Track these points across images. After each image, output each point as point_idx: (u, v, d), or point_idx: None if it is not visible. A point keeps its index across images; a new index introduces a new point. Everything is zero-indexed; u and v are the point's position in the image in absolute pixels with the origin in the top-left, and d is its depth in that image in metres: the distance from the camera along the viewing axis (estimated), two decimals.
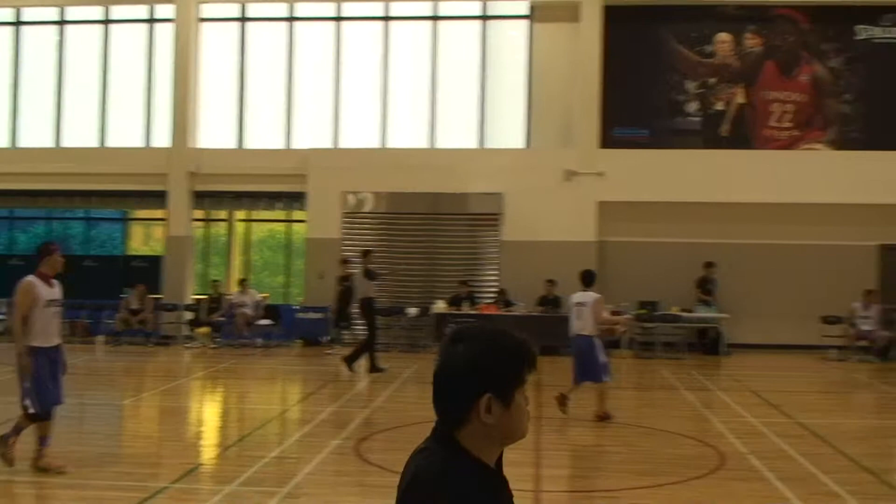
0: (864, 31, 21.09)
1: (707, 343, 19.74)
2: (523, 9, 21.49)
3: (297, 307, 20.96)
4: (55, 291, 8.81)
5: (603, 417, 12.02)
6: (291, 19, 22.10)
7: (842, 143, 21.02)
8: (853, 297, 19.25)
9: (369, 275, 16.79)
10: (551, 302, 19.81)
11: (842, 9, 20.96)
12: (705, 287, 19.92)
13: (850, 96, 21.14)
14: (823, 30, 21.18)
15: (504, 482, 2.54)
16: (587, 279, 12.64)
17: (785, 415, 12.74)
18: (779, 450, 10.37)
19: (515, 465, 9.51)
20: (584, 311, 12.23)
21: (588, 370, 12.18)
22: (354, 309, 17.48)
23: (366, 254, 17.33)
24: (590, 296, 12.30)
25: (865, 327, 19.13)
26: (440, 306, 19.74)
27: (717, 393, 14.76)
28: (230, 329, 20.16)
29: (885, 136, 20.75)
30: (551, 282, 19.79)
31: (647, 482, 8.85)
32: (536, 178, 20.62)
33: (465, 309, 19.71)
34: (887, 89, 20.99)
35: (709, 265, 19.90)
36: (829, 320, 19.45)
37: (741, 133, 21.17)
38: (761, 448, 10.43)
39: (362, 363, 16.54)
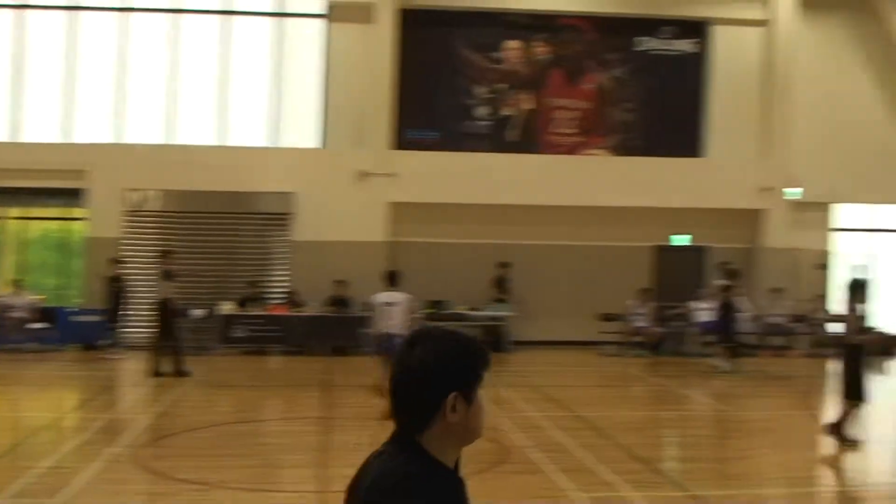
0: (643, 43, 22.18)
1: (492, 341, 20.21)
2: (319, 7, 21.31)
3: (75, 309, 19.96)
4: None
5: None
6: (74, 8, 21.01)
7: (622, 150, 22.02)
8: (630, 296, 20.23)
9: (168, 276, 16.26)
10: (341, 302, 19.78)
11: (624, 21, 21.96)
12: (501, 286, 20.41)
13: (630, 105, 22.18)
14: (607, 40, 22.11)
15: (463, 483, 2.54)
16: (393, 279, 12.88)
17: (564, 408, 13.22)
18: (558, 442, 10.74)
19: (302, 467, 9.46)
20: (395, 310, 12.43)
21: None
22: (129, 310, 16.89)
23: (165, 254, 16.80)
24: (400, 295, 12.57)
25: (640, 324, 20.13)
26: (227, 307, 19.33)
27: (500, 389, 15.12)
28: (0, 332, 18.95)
29: (661, 144, 21.90)
30: (341, 282, 19.76)
31: None
32: (329, 178, 20.53)
33: (254, 310, 19.40)
34: (664, 99, 22.16)
35: (503, 265, 20.38)
36: (607, 317, 20.34)
37: (528, 138, 21.81)
38: (542, 441, 10.77)
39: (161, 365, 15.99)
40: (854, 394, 10.94)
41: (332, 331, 19.33)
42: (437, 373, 2.45)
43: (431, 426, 2.46)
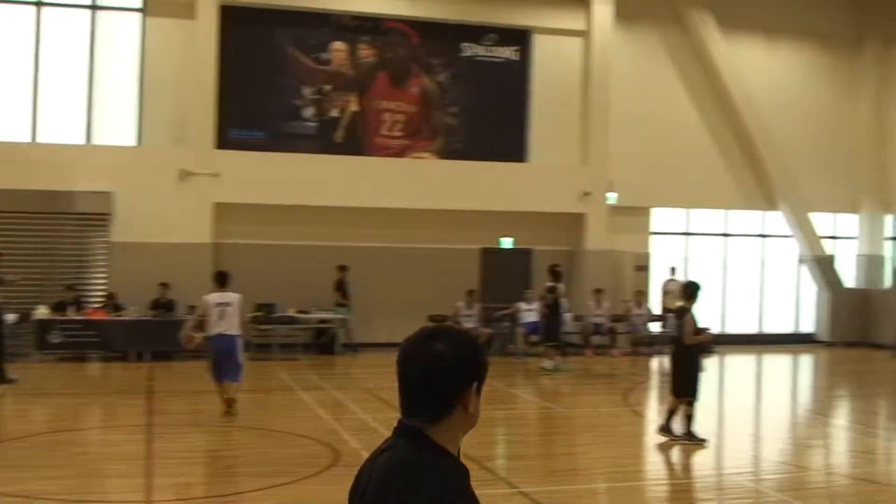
0: (468, 49, 22.48)
1: (323, 343, 20.06)
2: (136, 1, 20.55)
3: None
4: None
5: (227, 414, 12.17)
6: None
7: (447, 153, 22.25)
8: (458, 297, 20.45)
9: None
10: (165, 305, 19.16)
11: (449, 27, 22.20)
12: (341, 290, 20.21)
13: (455, 109, 22.44)
14: (432, 45, 22.30)
15: (468, 472, 2.55)
16: (222, 280, 12.74)
17: (395, 410, 13.16)
18: None
19: (126, 477, 9.07)
20: (228, 310, 12.29)
21: (231, 369, 12.26)
22: None
23: None
24: (232, 296, 12.47)
25: (468, 324, 20.36)
26: (42, 312, 18.38)
27: (331, 392, 15.01)
28: None
29: (486, 148, 22.26)
30: (165, 285, 19.15)
31: (263, 484, 8.77)
32: (149, 177, 19.82)
33: (71, 314, 18.53)
34: (489, 104, 22.54)
35: (342, 268, 20.18)
36: (435, 319, 20.45)
37: (355, 140, 21.73)
38: (373, 443, 10.57)
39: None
40: (689, 391, 11.38)
41: (155, 335, 18.66)
42: (461, 365, 2.55)
43: (444, 418, 2.54)
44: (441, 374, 2.54)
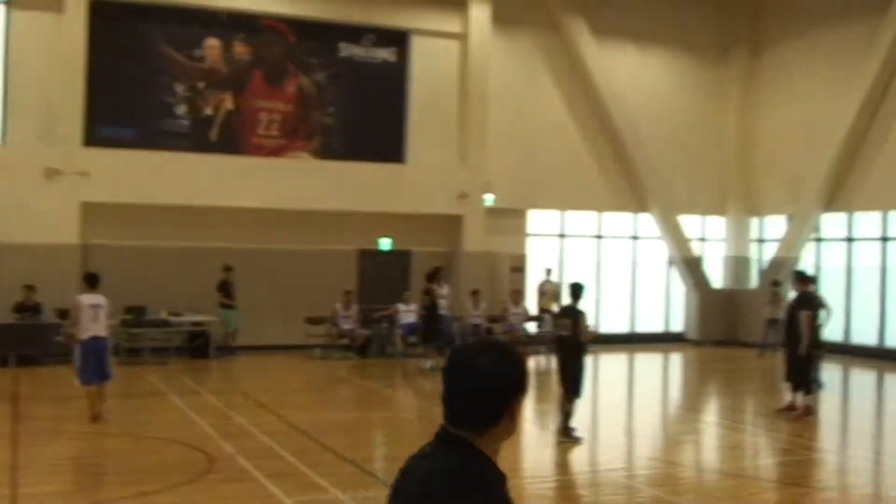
0: (346, 49, 22.35)
1: (197, 347, 19.61)
2: None
3: None
4: None
5: (97, 418, 11.96)
6: None
7: (324, 153, 22.06)
8: (336, 299, 20.30)
9: None
10: (30, 309, 18.42)
11: (326, 26, 22.01)
12: (226, 290, 19.73)
13: (332, 109, 22.27)
14: (309, 44, 22.08)
15: (506, 477, 2.64)
16: (93, 281, 12.55)
17: (272, 413, 13.02)
18: (266, 448, 10.55)
19: None
20: (101, 312, 12.21)
21: (104, 370, 12.18)
22: None
23: None
24: (102, 298, 12.34)
25: (346, 326, 20.26)
26: None
27: (206, 396, 14.69)
28: None
29: (364, 149, 22.17)
30: (30, 287, 18.41)
31: (134, 491, 8.51)
32: (12, 175, 19.01)
33: None
34: (367, 105, 22.45)
35: (228, 268, 19.68)
36: (313, 320, 20.31)
37: (230, 138, 21.33)
38: (249, 448, 10.53)
39: None
40: (579, 390, 11.64)
41: (21, 339, 17.95)
42: (509, 379, 2.64)
43: (491, 428, 2.62)
44: (491, 387, 2.63)
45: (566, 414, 11.61)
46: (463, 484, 2.53)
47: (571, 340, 11.64)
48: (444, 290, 18.42)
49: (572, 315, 11.66)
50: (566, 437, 11.52)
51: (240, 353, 19.46)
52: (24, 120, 19.64)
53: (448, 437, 2.65)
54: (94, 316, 12.08)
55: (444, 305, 18.35)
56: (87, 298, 12.22)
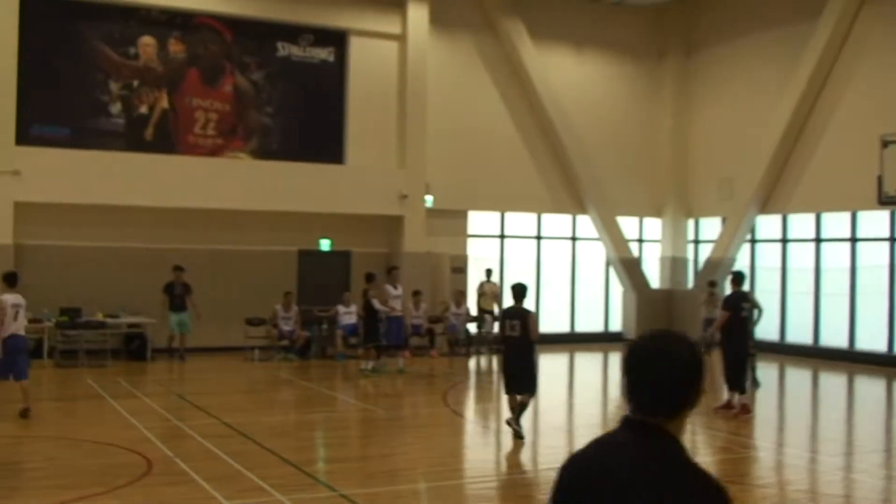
0: (283, 49, 22.18)
1: (134, 349, 19.31)
2: None
3: None
4: None
5: (27, 412, 12.16)
6: None
7: (263, 153, 21.87)
8: (276, 300, 20.12)
9: None
10: None
11: (263, 25, 21.82)
12: (171, 293, 19.41)
13: (270, 109, 22.08)
14: (246, 43, 21.86)
15: None
16: (13, 280, 12.68)
17: (211, 416, 12.85)
18: (205, 451, 10.42)
19: None
20: (21, 311, 12.42)
21: (23, 367, 12.36)
22: None
23: None
24: (21, 297, 12.54)
25: (286, 327, 20.09)
26: None
27: (143, 399, 14.45)
28: None
29: (303, 149, 22.03)
30: None
31: (71, 496, 8.34)
32: None
33: None
34: (305, 105, 22.30)
35: (178, 269, 19.43)
36: (252, 322, 20.11)
37: (166, 138, 21.04)
38: (188, 451, 10.40)
39: None
40: (531, 387, 11.83)
41: None
42: (697, 365, 2.74)
43: (680, 413, 2.72)
44: (688, 373, 2.73)
45: (518, 410, 11.71)
46: (679, 470, 2.64)
47: (521, 340, 11.73)
48: (398, 291, 18.32)
49: (522, 315, 11.75)
50: (517, 433, 11.65)
51: (188, 355, 19.21)
52: None
53: (638, 424, 2.71)
54: (15, 315, 12.31)
55: (398, 306, 18.22)
56: (10, 298, 12.38)
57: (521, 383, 11.82)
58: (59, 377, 17.15)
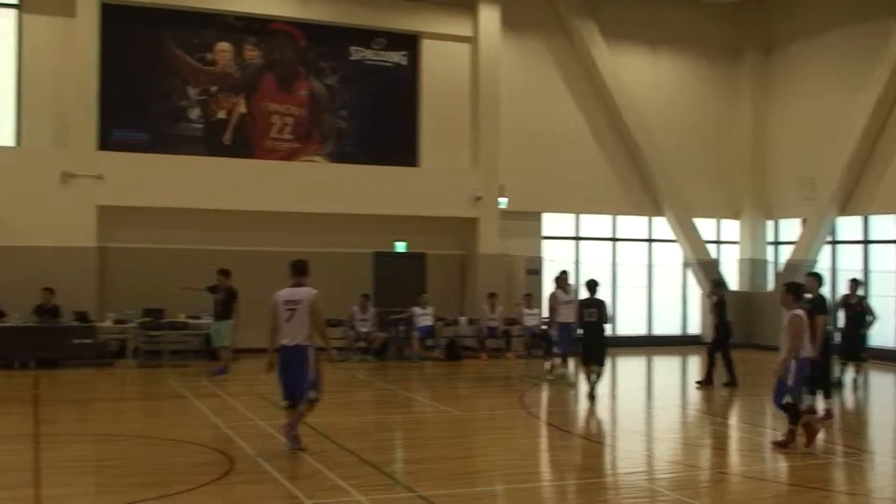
0: (357, 52, 22.35)
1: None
2: None
3: None
4: None
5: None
6: None
7: (338, 157, 22.07)
8: (352, 302, 20.25)
9: None
10: (49, 311, 18.46)
11: (337, 30, 22.03)
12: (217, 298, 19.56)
13: (344, 112, 22.28)
14: (320, 48, 22.10)
15: None
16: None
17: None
18: (286, 450, 10.50)
19: (11, 489, 8.64)
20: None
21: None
22: None
23: None
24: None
25: (363, 329, 20.22)
26: None
27: (225, 398, 14.66)
28: None
29: (375, 152, 22.18)
30: (49, 290, 18.45)
31: (154, 493, 8.46)
32: (28, 179, 19.13)
33: None
34: (378, 108, 22.45)
35: (223, 273, 18.06)
36: (330, 323, 20.20)
37: (243, 142, 21.36)
38: (268, 450, 10.49)
39: None
40: (601, 360, 15.35)
41: (40, 342, 18.00)
42: None
43: None
44: None
45: (594, 381, 15.07)
46: None
47: (597, 324, 15.19)
48: (569, 296, 17.51)
49: (598, 304, 15.28)
50: (593, 399, 14.78)
51: (247, 354, 19.27)
52: (39, 124, 19.76)
53: None
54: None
55: (566, 312, 17.23)
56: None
57: (597, 357, 15.13)
58: (143, 377, 17.50)
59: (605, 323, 15.26)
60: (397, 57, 22.69)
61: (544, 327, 19.46)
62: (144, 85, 20.67)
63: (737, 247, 26.03)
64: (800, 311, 11.16)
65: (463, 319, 21.90)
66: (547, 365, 18.57)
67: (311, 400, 10.53)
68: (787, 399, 11.07)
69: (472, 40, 22.80)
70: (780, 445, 11.18)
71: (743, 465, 10.81)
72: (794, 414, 11.12)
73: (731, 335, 17.56)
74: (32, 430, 11.57)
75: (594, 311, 15.15)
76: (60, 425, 12.36)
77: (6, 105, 19.76)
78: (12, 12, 19.85)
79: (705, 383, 17.04)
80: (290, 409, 10.50)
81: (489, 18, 22.69)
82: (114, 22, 20.11)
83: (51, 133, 19.79)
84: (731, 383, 16.97)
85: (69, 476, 9.38)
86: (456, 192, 22.19)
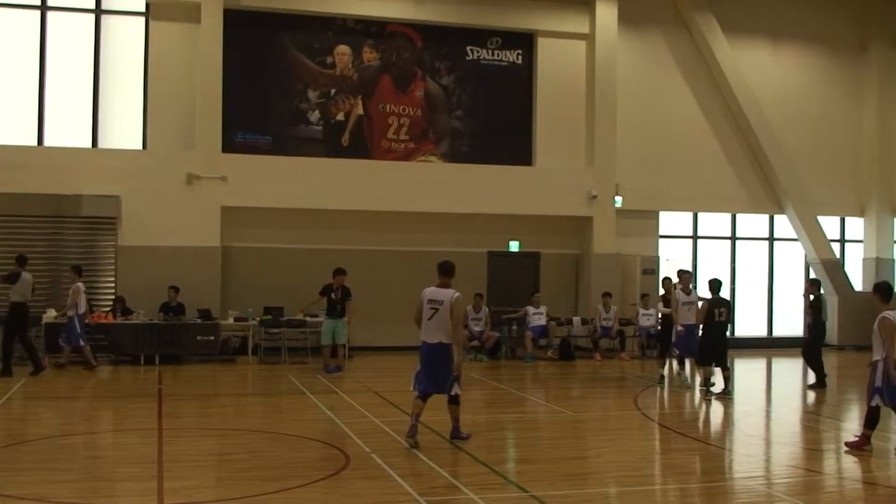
0: (473, 52, 22.46)
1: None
2: (140, 5, 20.55)
3: None
4: None
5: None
6: None
7: (453, 156, 22.23)
8: (466, 301, 20.34)
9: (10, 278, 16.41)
10: (174, 309, 19.14)
11: (453, 30, 22.18)
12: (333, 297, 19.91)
13: (460, 112, 22.42)
14: (436, 49, 22.30)
15: None
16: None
17: (405, 413, 13.10)
18: (400, 447, 10.66)
19: (136, 480, 9.03)
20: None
21: None
22: None
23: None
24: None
25: (476, 328, 20.31)
26: (51, 316, 18.35)
27: (341, 395, 14.95)
28: None
29: (490, 151, 22.26)
30: (174, 288, 19.13)
31: (273, 487, 8.71)
32: (156, 180, 19.86)
33: None
34: (493, 107, 22.52)
35: (339, 272, 18.35)
36: None
37: (361, 143, 21.72)
38: (384, 447, 10.66)
39: None
40: (725, 361, 15.46)
41: (165, 339, 18.68)
42: None
43: None
44: None
45: (725, 381, 15.33)
46: None
47: (725, 324, 15.43)
48: (691, 297, 16.79)
49: (727, 304, 15.67)
50: (712, 395, 15.18)
51: (361, 353, 19.56)
52: (166, 127, 20.45)
53: None
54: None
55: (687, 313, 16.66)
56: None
57: (723, 359, 15.39)
58: (263, 373, 17.99)
59: (726, 321, 15.54)
60: (512, 56, 22.72)
61: (660, 328, 19.08)
62: (266, 88, 21.22)
63: (861, 245, 25.18)
64: (888, 313, 10.79)
65: (576, 319, 21.81)
66: (675, 369, 18.02)
67: (456, 395, 11.03)
68: (876, 401, 10.82)
69: (589, 37, 22.66)
70: (854, 447, 11.03)
71: (867, 472, 10.50)
72: (874, 419, 11.00)
73: (824, 336, 17.59)
74: (156, 425, 12.02)
75: (724, 311, 15.36)
76: (183, 420, 12.78)
77: (134, 109, 20.56)
78: (140, 20, 20.64)
79: (818, 385, 16.77)
80: (418, 401, 11.02)
81: (606, 15, 22.50)
82: (237, 27, 20.71)
83: (177, 136, 20.51)
84: (818, 385, 16.75)
85: (191, 469, 9.71)
86: (571, 190, 22.09)
